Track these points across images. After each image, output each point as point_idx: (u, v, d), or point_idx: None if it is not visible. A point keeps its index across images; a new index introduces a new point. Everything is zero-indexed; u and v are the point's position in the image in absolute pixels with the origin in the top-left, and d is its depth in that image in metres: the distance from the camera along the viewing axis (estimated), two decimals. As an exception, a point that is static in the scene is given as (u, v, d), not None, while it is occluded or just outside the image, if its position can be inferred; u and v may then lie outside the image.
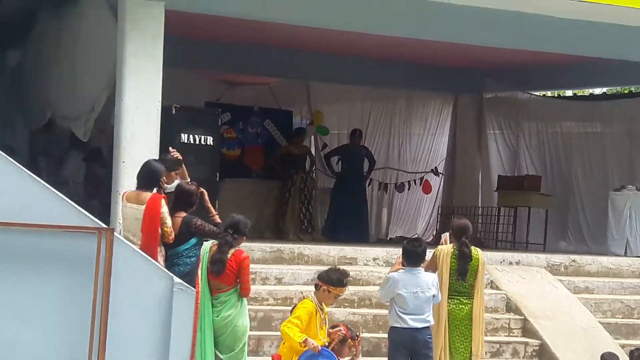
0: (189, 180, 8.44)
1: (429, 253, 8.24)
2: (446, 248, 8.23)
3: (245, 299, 7.47)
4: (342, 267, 7.65)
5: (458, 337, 8.15)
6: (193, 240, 7.86)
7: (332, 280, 7.29)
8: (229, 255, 7.32)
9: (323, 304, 7.33)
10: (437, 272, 8.15)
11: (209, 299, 7.34)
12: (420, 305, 7.75)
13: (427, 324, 7.79)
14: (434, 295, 7.85)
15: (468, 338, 8.14)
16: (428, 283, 7.82)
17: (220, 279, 7.33)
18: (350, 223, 13.51)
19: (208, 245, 7.49)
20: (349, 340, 7.43)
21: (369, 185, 14.25)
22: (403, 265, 7.93)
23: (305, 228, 13.23)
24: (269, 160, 13.95)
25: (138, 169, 8.14)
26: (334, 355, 7.16)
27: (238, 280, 7.36)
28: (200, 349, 7.27)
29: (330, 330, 7.45)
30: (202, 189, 8.15)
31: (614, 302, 10.52)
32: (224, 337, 7.35)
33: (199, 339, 7.28)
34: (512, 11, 10.46)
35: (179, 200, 8.04)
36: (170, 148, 8.69)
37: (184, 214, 7.92)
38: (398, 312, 7.75)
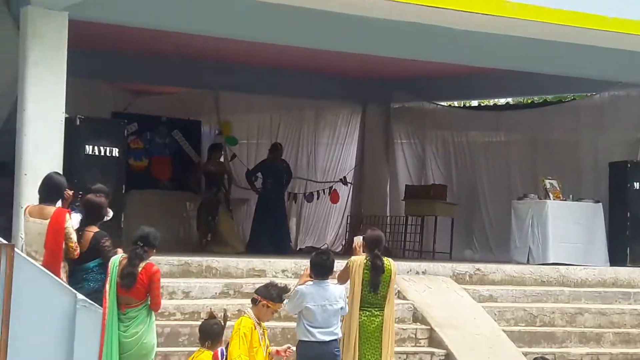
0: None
1: (340, 264, 8.24)
2: (359, 259, 8.21)
3: (153, 315, 7.36)
4: (278, 282, 7.56)
5: (369, 349, 8.11)
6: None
7: (272, 296, 7.26)
8: (139, 269, 7.21)
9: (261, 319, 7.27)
10: (349, 283, 8.16)
11: (116, 314, 7.19)
12: (328, 319, 7.71)
13: (335, 337, 7.77)
14: (341, 308, 7.83)
15: (378, 350, 8.12)
16: (336, 295, 7.79)
17: (130, 293, 7.21)
18: (273, 237, 13.66)
19: (117, 258, 7.35)
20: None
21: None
22: (311, 277, 7.91)
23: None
24: (191, 180, 13.89)
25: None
26: None
27: (148, 294, 7.24)
28: None
29: (279, 348, 7.44)
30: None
31: (517, 310, 10.69)
32: (130, 354, 7.18)
33: (105, 356, 7.11)
34: (414, 23, 10.62)
35: (89, 214, 7.90)
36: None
37: (94, 228, 7.79)
38: (306, 326, 7.70)
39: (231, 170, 14.29)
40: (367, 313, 8.14)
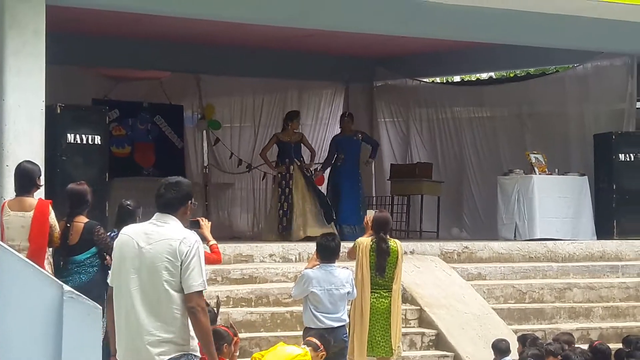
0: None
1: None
2: (365, 241, 8.18)
3: None
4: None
5: (379, 330, 8.12)
6: (94, 249, 7.68)
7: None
8: None
9: None
10: (356, 264, 8.16)
11: None
12: (335, 303, 7.65)
13: (342, 323, 7.72)
14: (348, 292, 7.77)
15: (388, 331, 8.13)
16: (342, 280, 7.72)
17: None
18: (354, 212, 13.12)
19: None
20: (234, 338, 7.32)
21: (263, 179, 14.09)
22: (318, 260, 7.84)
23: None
24: (262, 156, 13.12)
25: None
26: None
27: None
28: None
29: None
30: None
31: (505, 287, 10.67)
32: None
33: None
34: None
35: (74, 203, 7.80)
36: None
37: (83, 219, 7.70)
38: (313, 312, 7.64)
39: (205, 147, 13.73)
40: (376, 295, 8.12)
